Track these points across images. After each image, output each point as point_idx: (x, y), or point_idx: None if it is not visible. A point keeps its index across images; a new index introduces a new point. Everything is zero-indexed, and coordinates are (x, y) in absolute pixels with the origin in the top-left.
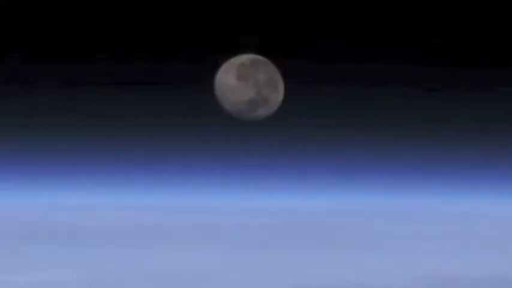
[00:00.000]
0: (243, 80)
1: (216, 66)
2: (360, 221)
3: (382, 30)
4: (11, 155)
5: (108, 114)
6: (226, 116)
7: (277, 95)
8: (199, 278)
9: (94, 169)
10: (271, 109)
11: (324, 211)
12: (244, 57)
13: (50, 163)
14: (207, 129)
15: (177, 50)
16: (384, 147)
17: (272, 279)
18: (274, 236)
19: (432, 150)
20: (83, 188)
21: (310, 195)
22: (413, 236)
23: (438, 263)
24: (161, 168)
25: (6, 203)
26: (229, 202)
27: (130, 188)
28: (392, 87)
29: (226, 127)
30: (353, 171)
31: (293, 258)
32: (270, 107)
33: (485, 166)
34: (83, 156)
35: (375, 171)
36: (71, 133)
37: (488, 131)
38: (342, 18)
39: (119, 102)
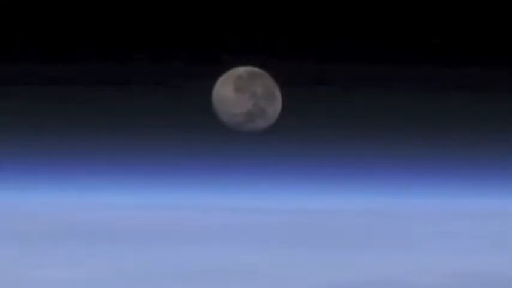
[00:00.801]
0: (241, 92)
1: (217, 69)
2: (387, 221)
3: (382, 30)
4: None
5: (123, 114)
6: (224, 127)
7: (275, 107)
8: (228, 275)
9: (117, 169)
10: (268, 121)
11: (352, 212)
12: (242, 70)
13: (68, 163)
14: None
15: (178, 50)
16: (395, 148)
17: (305, 277)
18: (305, 235)
19: (451, 151)
20: (109, 188)
21: (336, 196)
22: (443, 235)
23: (470, 261)
24: (183, 168)
25: (38, 203)
26: (256, 202)
27: (157, 188)
28: (395, 87)
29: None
30: (370, 173)
31: (324, 256)
32: (267, 119)
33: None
34: (102, 156)
35: (386, 171)
36: (87, 133)
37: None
38: (341, 18)
39: (119, 102)
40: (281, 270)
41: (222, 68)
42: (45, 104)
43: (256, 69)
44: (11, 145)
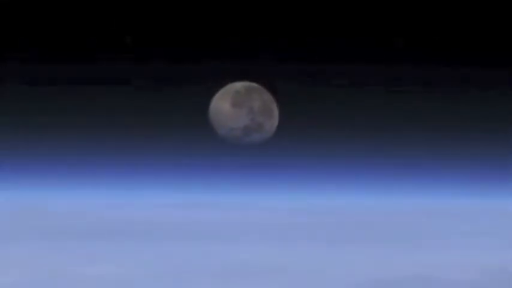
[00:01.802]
0: (238, 107)
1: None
2: (417, 219)
3: (381, 31)
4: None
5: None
6: (221, 141)
7: (272, 122)
8: (263, 272)
9: (159, 169)
10: (265, 135)
11: (389, 211)
12: (239, 85)
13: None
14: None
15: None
16: (405, 150)
17: (339, 274)
18: (346, 232)
19: (472, 151)
20: (151, 187)
21: (376, 194)
22: (472, 233)
23: (499, 257)
24: (224, 167)
25: (71, 202)
26: (299, 201)
27: (188, 188)
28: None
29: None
30: (381, 175)
31: (364, 253)
32: (264, 133)
33: None
34: (125, 156)
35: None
36: (114, 133)
37: None
38: (340, 18)
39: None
40: (317, 268)
41: (219, 80)
42: (66, 102)
43: (254, 84)
44: (42, 144)
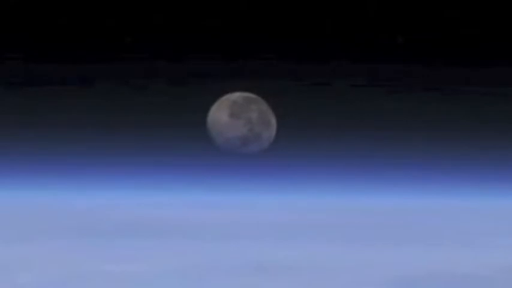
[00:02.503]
0: (236, 118)
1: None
2: (441, 218)
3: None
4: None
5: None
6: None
7: (270, 132)
8: (292, 269)
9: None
10: (263, 145)
11: (404, 210)
12: (237, 95)
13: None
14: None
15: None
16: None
17: (367, 271)
18: (362, 232)
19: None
20: (166, 187)
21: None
22: (496, 232)
23: None
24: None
25: (99, 201)
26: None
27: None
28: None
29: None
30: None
31: (384, 252)
32: (262, 142)
33: None
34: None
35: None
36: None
37: None
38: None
39: (121, 103)
40: (337, 266)
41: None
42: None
43: (251, 95)
44: (49, 144)
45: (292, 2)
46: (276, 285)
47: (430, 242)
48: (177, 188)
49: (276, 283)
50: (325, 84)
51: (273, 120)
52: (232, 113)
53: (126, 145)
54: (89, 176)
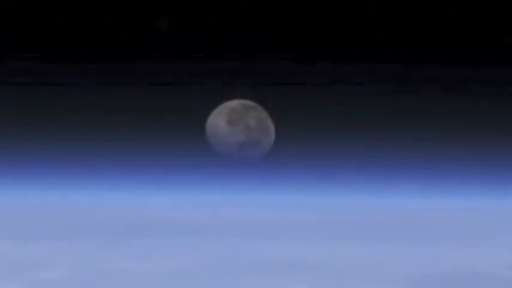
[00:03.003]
0: (234, 125)
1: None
2: (460, 218)
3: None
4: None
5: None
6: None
7: (268, 138)
8: (310, 267)
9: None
10: (262, 151)
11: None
12: (235, 102)
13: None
14: None
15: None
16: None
17: (385, 269)
18: (379, 232)
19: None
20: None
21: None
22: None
23: None
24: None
25: (115, 200)
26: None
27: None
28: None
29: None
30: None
31: (402, 250)
32: (260, 149)
33: None
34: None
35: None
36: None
37: None
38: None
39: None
40: (355, 264)
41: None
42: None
43: (250, 102)
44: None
45: (292, 2)
46: (291, 283)
47: (446, 241)
48: (188, 188)
49: (290, 281)
50: (325, 84)
51: (272, 127)
52: (230, 120)
53: (128, 145)
54: (95, 176)
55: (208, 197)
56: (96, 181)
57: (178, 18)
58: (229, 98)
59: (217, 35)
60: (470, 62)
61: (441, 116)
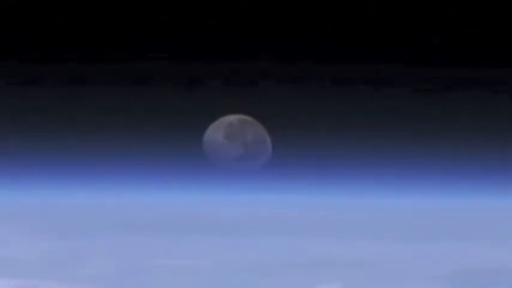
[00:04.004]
0: (231, 139)
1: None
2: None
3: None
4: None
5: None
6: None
7: (265, 152)
8: (355, 265)
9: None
10: (259, 164)
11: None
12: (232, 117)
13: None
14: None
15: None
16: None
17: (428, 266)
18: (415, 231)
19: None
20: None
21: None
22: None
23: None
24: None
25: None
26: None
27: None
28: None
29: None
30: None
31: (442, 248)
32: (258, 162)
33: None
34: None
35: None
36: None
37: None
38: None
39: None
40: (397, 261)
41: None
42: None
43: (246, 117)
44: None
45: (292, 2)
46: (324, 281)
47: (491, 239)
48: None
49: (324, 279)
50: (324, 84)
51: (269, 141)
52: (227, 134)
53: (128, 145)
54: (111, 176)
55: (235, 196)
56: (109, 180)
57: (178, 18)
58: (229, 98)
59: (217, 35)
60: (470, 62)
61: (441, 116)
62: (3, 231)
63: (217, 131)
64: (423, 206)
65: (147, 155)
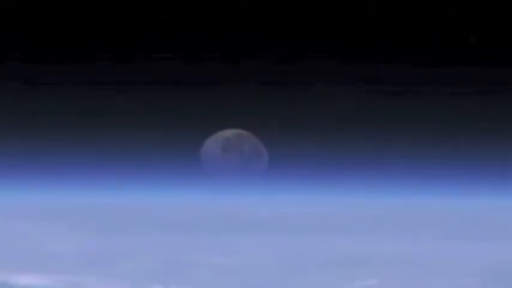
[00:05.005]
0: (228, 153)
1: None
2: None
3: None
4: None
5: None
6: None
7: (262, 165)
8: (393, 261)
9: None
10: (255, 177)
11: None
12: (229, 132)
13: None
14: None
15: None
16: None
17: (460, 263)
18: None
19: None
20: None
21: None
22: None
23: None
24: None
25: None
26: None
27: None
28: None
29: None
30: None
31: (473, 247)
32: (254, 175)
33: None
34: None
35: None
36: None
37: None
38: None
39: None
40: (433, 259)
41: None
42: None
43: (243, 131)
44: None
45: (292, 2)
46: (361, 278)
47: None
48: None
49: (360, 276)
50: (324, 84)
51: (265, 153)
52: (224, 148)
53: (128, 145)
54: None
55: (267, 197)
56: (147, 181)
57: (178, 18)
58: (229, 98)
59: (217, 35)
60: (470, 62)
61: (441, 116)
62: (47, 228)
63: (214, 145)
64: (453, 205)
65: (179, 155)
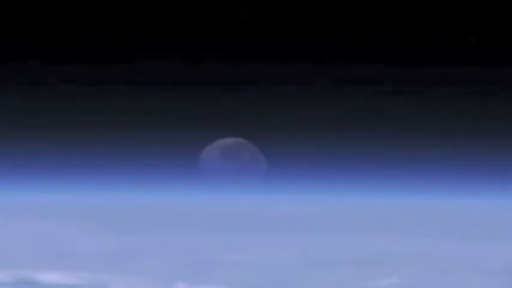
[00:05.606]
0: (227, 160)
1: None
2: None
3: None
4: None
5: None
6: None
7: (260, 173)
8: (407, 261)
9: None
10: (253, 183)
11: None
12: (228, 140)
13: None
14: None
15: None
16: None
17: (478, 263)
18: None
19: None
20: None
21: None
22: None
23: None
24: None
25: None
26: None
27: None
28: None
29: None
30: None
31: (487, 246)
32: (252, 181)
33: None
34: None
35: None
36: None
37: None
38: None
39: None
40: (452, 257)
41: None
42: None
43: (241, 140)
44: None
45: (292, 2)
46: (381, 276)
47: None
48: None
49: (381, 274)
50: (324, 84)
51: (263, 160)
52: (223, 155)
53: (128, 145)
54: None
55: (291, 196)
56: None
57: (178, 18)
58: (229, 98)
59: (217, 35)
60: (470, 62)
61: (441, 116)
62: (69, 228)
63: (213, 153)
64: (472, 206)
65: (179, 155)
